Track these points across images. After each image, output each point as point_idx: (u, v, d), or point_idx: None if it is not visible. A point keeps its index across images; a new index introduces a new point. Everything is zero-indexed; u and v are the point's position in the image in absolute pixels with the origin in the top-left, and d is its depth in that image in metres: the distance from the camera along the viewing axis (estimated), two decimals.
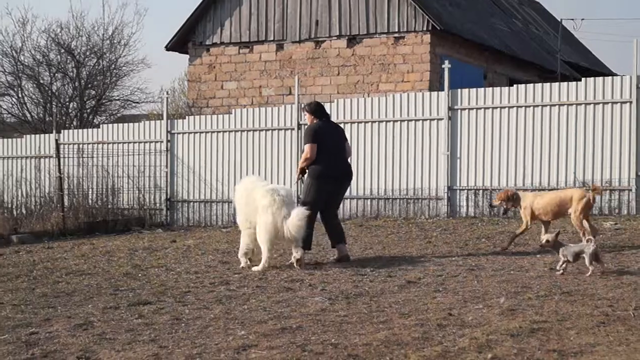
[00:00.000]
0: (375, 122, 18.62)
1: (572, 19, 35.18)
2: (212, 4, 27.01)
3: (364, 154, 18.43)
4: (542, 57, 30.59)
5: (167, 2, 77.10)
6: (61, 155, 20.16)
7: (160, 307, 8.71)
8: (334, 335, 6.96)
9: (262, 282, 10.22)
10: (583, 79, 17.48)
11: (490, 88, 18.52)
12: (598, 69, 34.54)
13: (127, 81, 46.14)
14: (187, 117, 22.39)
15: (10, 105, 36.32)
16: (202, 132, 20.65)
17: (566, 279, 9.32)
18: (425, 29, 24.08)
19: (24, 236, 17.52)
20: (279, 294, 9.27)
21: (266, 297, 9.03)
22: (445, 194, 17.93)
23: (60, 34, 36.11)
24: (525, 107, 17.37)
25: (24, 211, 21.39)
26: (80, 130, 23.25)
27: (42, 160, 22.19)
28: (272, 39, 26.21)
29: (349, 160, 12.38)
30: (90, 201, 20.71)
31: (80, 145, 21.61)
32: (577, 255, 9.65)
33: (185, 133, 20.86)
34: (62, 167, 20.05)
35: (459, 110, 17.92)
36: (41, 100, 36.06)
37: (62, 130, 23.03)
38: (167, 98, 22.40)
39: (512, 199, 12.22)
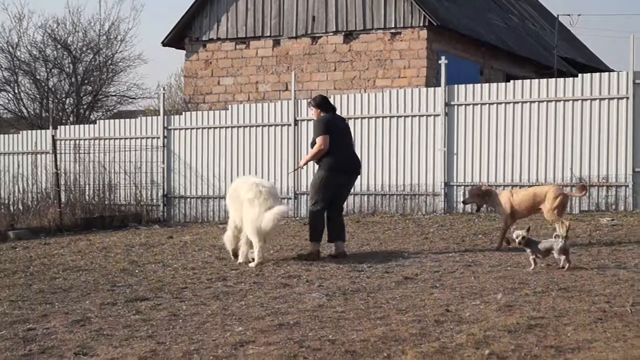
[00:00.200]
0: (371, 118, 18.62)
1: (569, 15, 35.00)
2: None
3: (360, 150, 18.42)
4: (538, 52, 30.59)
5: None
6: (58, 151, 20.14)
7: (157, 303, 8.70)
8: (331, 331, 6.96)
9: (260, 278, 10.22)
10: (580, 74, 17.50)
11: (487, 84, 18.55)
12: (594, 65, 34.56)
13: (123, 77, 46.24)
14: (183, 113, 22.40)
15: (7, 101, 36.37)
16: (199, 128, 20.65)
17: (563, 275, 9.33)
18: (421, 24, 24.07)
19: (20, 232, 17.51)
20: (276, 290, 9.27)
21: (263, 293, 9.03)
22: (442, 190, 17.95)
23: (56, 30, 36.14)
24: (522, 103, 17.38)
25: (20, 207, 21.39)
26: (76, 126, 23.25)
27: (38, 156, 22.18)
28: (268, 34, 26.19)
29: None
30: (87, 197, 20.71)
31: (77, 141, 21.61)
32: (548, 251, 9.75)
33: (181, 129, 20.85)
34: (58, 163, 20.04)
35: (456, 106, 17.93)
36: (38, 96, 36.06)
37: (58, 126, 23.03)
38: (163, 94, 22.38)
39: (486, 195, 12.22)
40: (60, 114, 35.14)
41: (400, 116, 18.45)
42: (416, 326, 7.00)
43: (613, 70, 19.31)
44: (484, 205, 12.73)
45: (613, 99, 16.66)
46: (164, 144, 20.89)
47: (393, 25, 24.44)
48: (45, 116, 33.91)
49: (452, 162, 17.95)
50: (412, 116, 18.35)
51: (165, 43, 27.93)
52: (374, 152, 18.47)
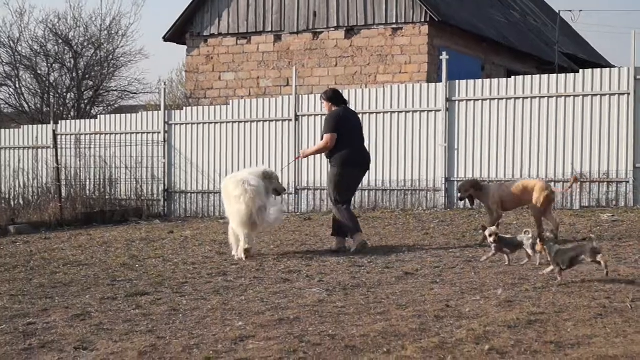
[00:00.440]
0: (372, 113, 18.61)
1: (570, 11, 35.14)
2: None
3: None
4: (540, 48, 30.57)
5: None
6: (59, 146, 20.17)
7: (157, 298, 8.71)
8: (332, 327, 6.96)
9: (260, 273, 10.22)
10: (581, 70, 17.47)
11: (488, 79, 18.55)
12: (596, 61, 34.55)
13: (124, 72, 46.22)
14: (184, 108, 22.40)
15: (8, 96, 36.37)
16: (200, 123, 20.64)
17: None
18: (423, 20, 24.05)
19: (21, 227, 17.52)
20: (276, 285, 9.27)
21: (264, 288, 9.03)
22: (443, 185, 17.95)
23: (57, 25, 36.13)
24: (523, 98, 17.37)
25: (21, 202, 21.39)
26: (77, 121, 23.23)
27: (39, 150, 22.19)
28: (270, 30, 26.19)
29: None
30: (87, 192, 20.72)
31: (78, 136, 21.61)
32: (517, 247, 9.78)
33: (182, 124, 20.85)
34: (59, 158, 20.06)
35: (457, 102, 17.92)
36: (39, 91, 36.06)
37: (59, 121, 23.01)
38: (164, 89, 22.36)
39: (477, 188, 12.25)
40: (61, 108, 35.14)
41: (402, 111, 18.44)
42: (416, 321, 7.00)
43: (614, 66, 19.30)
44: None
45: (614, 94, 16.64)
46: (164, 139, 20.89)
47: (394, 21, 24.43)
48: (46, 111, 33.91)
49: (452, 157, 17.94)
50: (413, 111, 18.34)
51: (167, 38, 27.93)
52: (374, 147, 18.44)
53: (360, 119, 14.23)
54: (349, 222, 11.78)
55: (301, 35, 25.77)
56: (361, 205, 18.48)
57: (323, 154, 12.52)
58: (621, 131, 16.54)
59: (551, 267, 8.65)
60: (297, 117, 19.40)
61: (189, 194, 20.74)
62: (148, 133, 21.08)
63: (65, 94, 36.18)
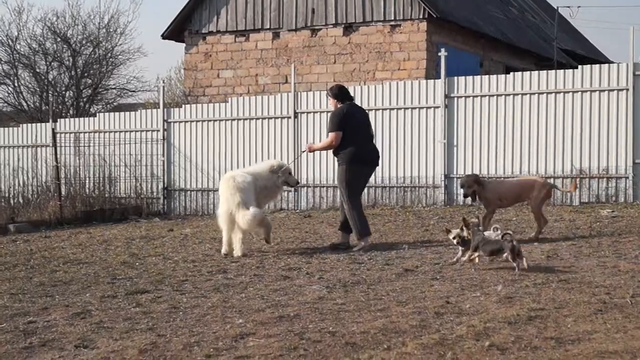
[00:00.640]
0: (371, 110, 18.54)
1: (569, 7, 34.91)
2: None
3: None
4: (538, 44, 30.57)
5: None
6: (58, 144, 20.16)
7: (157, 296, 8.71)
8: (332, 324, 6.97)
9: (260, 270, 10.23)
10: (580, 66, 17.47)
11: (487, 76, 18.55)
12: (594, 57, 34.54)
13: (123, 70, 46.09)
14: (183, 105, 22.40)
15: (7, 95, 36.38)
16: (199, 121, 20.64)
17: (563, 267, 9.33)
18: (421, 17, 24.05)
19: (21, 225, 17.52)
20: (276, 282, 9.27)
21: (264, 286, 9.04)
22: (442, 182, 17.95)
23: (56, 23, 36.15)
24: (522, 94, 17.37)
25: (21, 200, 21.39)
26: (76, 119, 23.23)
27: (39, 149, 22.18)
28: (268, 27, 26.17)
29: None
30: (87, 190, 20.71)
31: (77, 134, 21.61)
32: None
33: (181, 122, 20.85)
34: (58, 156, 20.06)
35: (456, 98, 17.92)
36: (37, 89, 36.06)
37: (58, 119, 23.01)
38: (163, 87, 22.37)
39: (479, 183, 12.18)
40: (60, 107, 35.14)
41: (400, 108, 18.44)
42: (416, 318, 7.01)
43: (613, 62, 19.29)
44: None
45: (613, 90, 16.64)
46: (164, 136, 20.88)
47: (392, 18, 24.42)
48: (45, 109, 33.91)
49: (452, 154, 17.94)
50: (412, 108, 18.34)
51: (165, 36, 27.90)
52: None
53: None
54: (359, 223, 11.74)
55: (299, 33, 25.76)
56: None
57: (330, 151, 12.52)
58: (620, 127, 16.55)
59: (469, 253, 9.52)
60: (296, 115, 19.39)
61: (189, 192, 20.74)
62: (147, 131, 21.07)
63: (64, 92, 36.19)
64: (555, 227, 13.06)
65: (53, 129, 20.75)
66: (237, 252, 11.51)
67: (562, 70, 17.59)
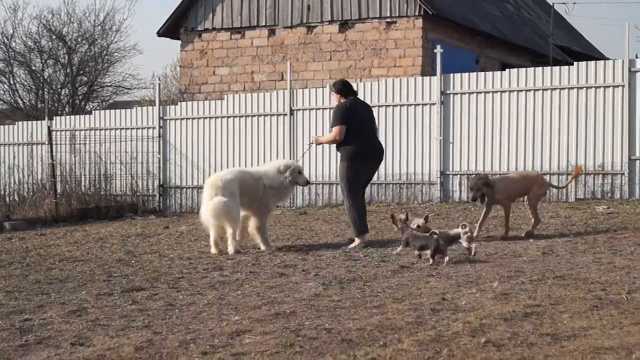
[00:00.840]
0: None
1: (564, 3, 34.95)
2: None
3: None
4: (534, 41, 30.57)
5: None
6: (53, 142, 20.13)
7: (153, 293, 8.70)
8: (328, 320, 6.96)
9: (256, 267, 10.23)
10: (575, 63, 17.48)
11: (483, 73, 18.53)
12: (590, 53, 34.54)
13: (118, 67, 46.21)
14: (179, 103, 22.36)
15: (2, 92, 36.28)
16: (195, 118, 20.63)
17: (559, 263, 9.34)
18: (417, 13, 24.04)
19: (16, 223, 17.51)
20: (272, 279, 9.27)
21: (259, 283, 9.03)
22: (438, 179, 17.95)
23: (51, 21, 36.06)
24: (518, 91, 17.38)
25: (16, 198, 21.36)
26: (72, 117, 23.20)
27: (34, 147, 22.16)
28: (263, 24, 26.16)
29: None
30: (82, 188, 20.69)
31: (73, 132, 21.59)
32: (453, 240, 9.95)
33: (177, 119, 20.84)
34: (54, 154, 20.03)
35: (452, 95, 17.92)
36: (33, 87, 35.99)
37: (54, 117, 22.99)
38: (159, 84, 22.35)
39: (488, 185, 12.03)
40: (56, 104, 35.09)
41: (396, 105, 18.44)
42: (412, 315, 7.00)
43: (609, 59, 19.30)
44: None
45: (609, 87, 16.65)
46: (159, 134, 20.87)
47: (388, 15, 24.41)
48: (40, 107, 33.86)
49: (447, 150, 17.94)
50: (408, 105, 18.34)
51: (161, 33, 27.90)
52: None
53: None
54: (358, 220, 11.73)
55: (295, 30, 25.74)
56: None
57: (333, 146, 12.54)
58: (616, 123, 16.56)
59: (400, 247, 10.23)
60: (291, 112, 19.39)
61: (184, 189, 20.73)
62: (143, 128, 21.05)
63: (59, 90, 36.14)
64: (551, 224, 13.07)
65: (49, 127, 20.72)
66: (230, 249, 11.54)
67: (557, 67, 17.59)
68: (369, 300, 7.71)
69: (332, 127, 11.97)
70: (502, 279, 8.42)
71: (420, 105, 18.21)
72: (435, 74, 18.45)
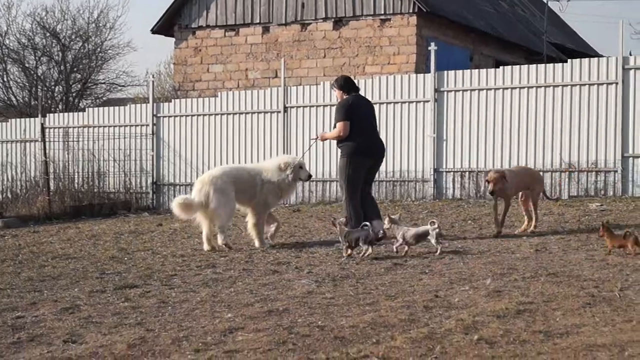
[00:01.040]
0: None
1: (558, 1, 35.00)
2: None
3: None
4: (528, 38, 30.59)
5: None
6: (47, 139, 20.11)
7: (146, 291, 8.70)
8: (321, 318, 6.96)
9: (249, 265, 10.23)
10: (569, 60, 17.50)
11: (477, 70, 18.56)
12: (584, 51, 34.57)
13: (112, 64, 46.14)
14: (173, 100, 22.35)
15: None
16: (188, 116, 20.61)
17: (552, 260, 9.34)
18: (411, 11, 24.03)
19: (9, 220, 17.49)
20: (265, 276, 9.27)
21: (252, 280, 9.03)
22: (432, 176, 17.95)
23: (45, 18, 36.05)
24: (512, 88, 17.38)
25: (9, 195, 21.36)
26: (66, 114, 23.18)
27: (27, 144, 22.13)
28: (258, 21, 26.12)
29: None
30: (76, 185, 20.68)
31: (66, 129, 21.56)
32: (421, 237, 10.17)
33: (171, 116, 20.82)
34: (47, 151, 20.00)
35: (445, 92, 17.93)
36: (27, 84, 35.97)
37: (47, 114, 22.97)
38: (152, 81, 22.35)
39: (505, 179, 11.81)
40: (49, 101, 35.06)
41: (390, 102, 18.44)
42: (405, 312, 7.01)
43: (602, 56, 19.31)
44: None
45: (602, 84, 16.66)
46: (153, 131, 20.85)
47: (382, 12, 24.39)
48: (34, 104, 33.83)
49: (441, 148, 17.95)
50: (402, 102, 18.34)
51: (155, 30, 27.84)
52: None
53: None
54: (354, 217, 11.70)
55: (289, 27, 25.72)
56: None
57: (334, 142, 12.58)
58: (609, 121, 16.57)
59: (346, 244, 10.40)
60: (285, 109, 19.38)
61: (178, 187, 20.70)
62: (136, 126, 21.04)
63: (53, 87, 36.11)
64: (544, 221, 13.07)
65: (42, 124, 20.70)
66: (219, 241, 11.71)
67: (551, 64, 17.61)
68: (361, 298, 7.71)
69: (336, 123, 11.95)
70: (495, 276, 8.43)
71: (414, 103, 18.21)
72: (429, 71, 18.46)
